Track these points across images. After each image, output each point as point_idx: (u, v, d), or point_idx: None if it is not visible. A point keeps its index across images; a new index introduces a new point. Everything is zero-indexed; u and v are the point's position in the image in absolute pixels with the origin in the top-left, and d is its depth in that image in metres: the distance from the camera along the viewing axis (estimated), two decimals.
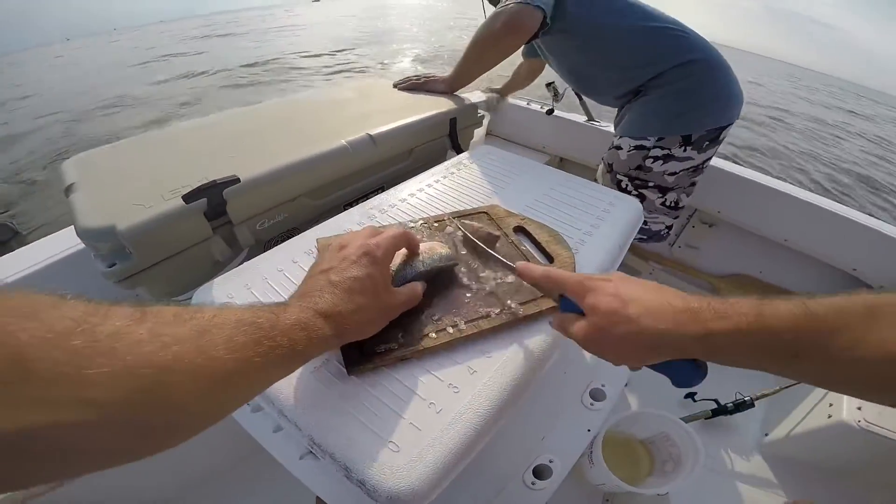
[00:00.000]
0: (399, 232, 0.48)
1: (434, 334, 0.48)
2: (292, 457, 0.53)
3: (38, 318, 0.21)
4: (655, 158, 1.16)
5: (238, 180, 0.69)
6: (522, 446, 0.75)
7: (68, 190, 0.69)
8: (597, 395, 0.84)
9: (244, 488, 1.08)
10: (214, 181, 0.67)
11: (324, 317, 0.37)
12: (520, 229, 0.67)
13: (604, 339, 0.40)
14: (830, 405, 1.09)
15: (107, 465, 0.23)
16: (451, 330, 0.48)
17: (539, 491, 0.69)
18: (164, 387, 0.24)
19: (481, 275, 0.55)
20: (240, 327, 0.30)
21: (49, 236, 0.97)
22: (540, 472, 0.71)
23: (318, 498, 0.99)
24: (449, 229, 0.63)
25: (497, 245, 0.62)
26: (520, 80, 1.68)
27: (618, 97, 1.22)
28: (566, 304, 0.45)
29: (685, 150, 1.14)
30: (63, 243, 0.93)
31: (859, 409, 1.03)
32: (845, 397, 1.06)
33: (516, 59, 1.53)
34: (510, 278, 0.55)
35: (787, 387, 1.18)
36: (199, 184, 0.66)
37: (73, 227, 0.63)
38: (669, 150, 1.14)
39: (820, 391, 1.16)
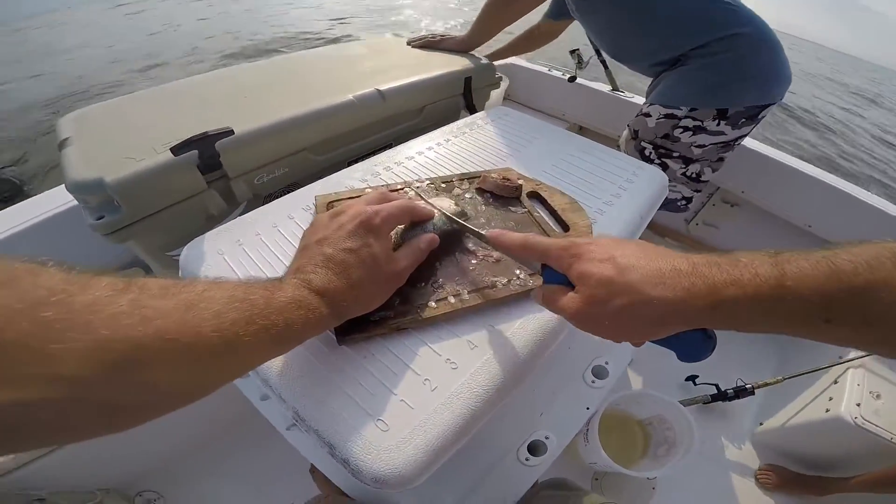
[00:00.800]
0: (404, 203, 0.43)
1: (434, 303, 0.44)
2: (281, 426, 0.51)
3: (12, 286, 0.20)
4: (685, 129, 1.09)
5: (231, 132, 0.65)
6: (520, 421, 0.73)
7: (62, 144, 0.66)
8: (599, 373, 0.81)
9: (243, 451, 1.10)
10: (206, 133, 0.63)
11: (319, 294, 0.34)
12: (534, 195, 0.62)
13: (600, 313, 0.34)
14: (830, 399, 1.08)
15: (72, 441, 0.22)
16: (452, 300, 0.44)
17: (532, 467, 0.68)
18: (139, 364, 0.23)
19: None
20: (231, 304, 0.28)
21: (45, 192, 0.96)
22: (535, 448, 0.70)
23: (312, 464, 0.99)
24: (457, 191, 0.59)
25: (520, 199, 0.59)
26: (527, 44, 1.49)
27: (654, 64, 1.15)
28: (550, 274, 0.38)
29: (718, 125, 1.07)
30: (59, 199, 0.92)
31: (858, 405, 1.02)
32: (846, 392, 1.05)
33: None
34: None
35: (790, 377, 1.15)
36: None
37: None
38: (702, 122, 1.07)
39: (822, 383, 1.15)
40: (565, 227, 0.56)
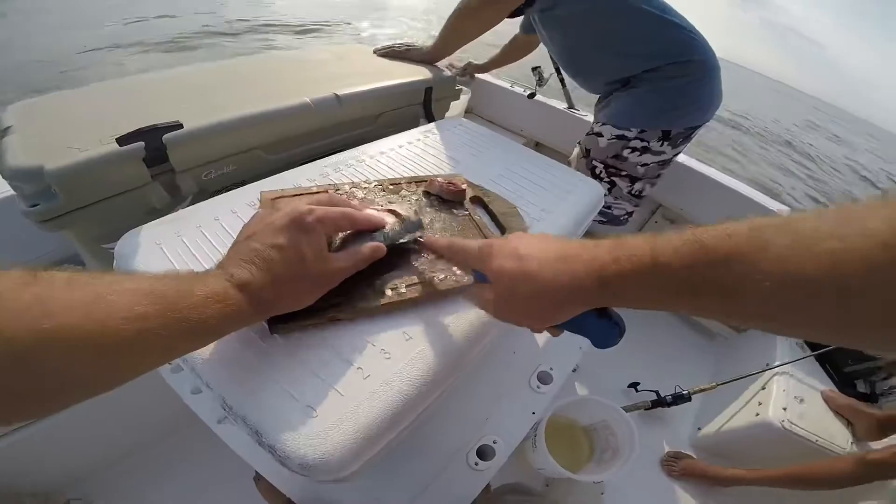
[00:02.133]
0: (347, 210, 0.43)
1: (373, 296, 0.46)
2: (212, 420, 0.51)
3: None
4: (633, 150, 1.17)
5: (180, 126, 0.65)
6: (467, 425, 0.75)
7: (3, 133, 0.64)
8: (544, 378, 0.84)
9: (182, 456, 1.06)
10: (155, 125, 0.63)
11: (240, 289, 0.34)
12: (477, 200, 0.65)
13: (511, 303, 0.38)
14: (759, 404, 1.15)
15: None
16: (389, 293, 0.46)
17: (481, 472, 0.69)
18: (42, 354, 0.23)
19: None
20: (142, 296, 0.28)
21: None
22: (483, 453, 0.71)
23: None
24: (404, 192, 0.61)
25: (463, 203, 0.62)
26: (509, 56, 1.57)
27: (607, 83, 1.21)
28: (479, 275, 0.42)
29: (662, 145, 1.16)
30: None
31: (784, 409, 1.09)
32: (773, 397, 1.12)
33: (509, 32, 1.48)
34: None
35: (722, 383, 1.23)
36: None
37: None
38: (648, 142, 1.15)
39: (752, 389, 1.22)
40: (503, 231, 0.60)
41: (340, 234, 0.45)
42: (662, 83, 1.09)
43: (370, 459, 0.40)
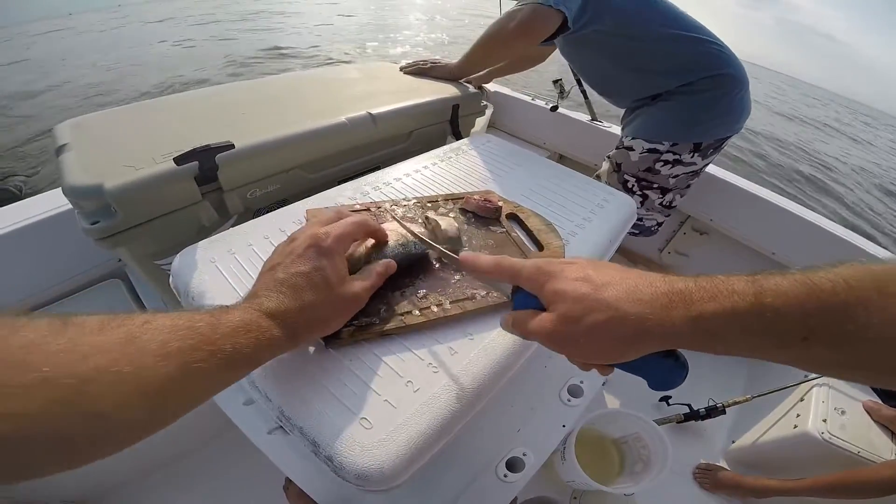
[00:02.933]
0: (356, 219, 0.44)
1: (417, 311, 0.47)
2: (261, 432, 0.52)
3: None
4: (666, 162, 1.18)
5: (232, 146, 0.68)
6: (498, 437, 0.75)
7: (59, 150, 0.68)
8: (575, 392, 0.84)
9: (215, 467, 1.08)
10: (208, 145, 0.66)
11: (271, 317, 0.35)
12: (512, 216, 0.66)
13: (574, 331, 0.32)
14: (798, 416, 1.12)
15: (31, 478, 0.22)
16: (435, 308, 0.48)
17: (510, 483, 0.69)
18: (87, 397, 0.23)
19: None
20: (175, 332, 0.28)
21: (37, 196, 0.97)
22: (513, 465, 0.71)
23: (287, 478, 0.98)
24: (441, 210, 0.63)
25: (499, 220, 0.63)
26: (513, 66, 1.50)
27: (637, 100, 1.23)
28: (521, 299, 0.38)
29: (693, 156, 1.17)
30: (49, 203, 0.93)
31: (824, 421, 1.06)
32: (812, 409, 1.09)
33: None
34: None
35: (757, 396, 1.20)
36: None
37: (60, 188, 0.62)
38: (680, 155, 1.16)
39: (790, 401, 1.19)
40: (540, 247, 0.61)
41: (364, 249, 0.47)
42: (695, 96, 1.11)
43: (420, 470, 0.41)
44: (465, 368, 0.46)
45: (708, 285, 0.30)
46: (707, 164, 1.24)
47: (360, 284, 0.42)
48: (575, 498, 1.13)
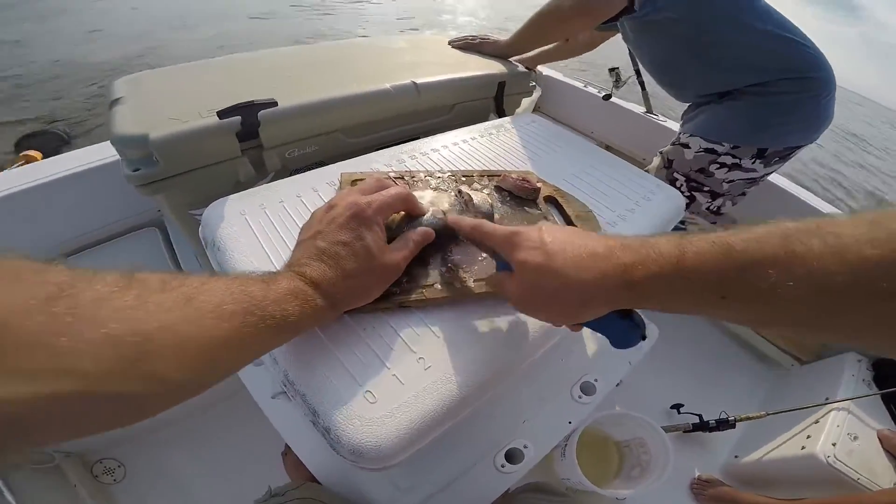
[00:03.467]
0: (398, 191, 0.43)
1: (440, 286, 0.45)
2: (266, 395, 0.53)
3: (21, 282, 0.20)
4: (722, 165, 1.09)
5: (275, 104, 0.68)
6: (502, 426, 0.74)
7: (113, 103, 0.70)
8: (587, 389, 0.81)
9: (220, 428, 1.11)
10: (252, 101, 0.66)
11: (314, 286, 0.35)
12: (551, 199, 0.63)
13: (533, 296, 0.38)
14: (808, 437, 1.09)
15: (88, 434, 0.23)
16: (458, 285, 0.46)
17: (507, 475, 0.68)
18: (149, 356, 0.23)
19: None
20: (230, 295, 0.29)
21: (88, 147, 1.01)
22: (512, 456, 0.70)
23: (286, 446, 1.01)
24: (476, 185, 0.60)
25: (536, 202, 0.60)
26: (565, 50, 1.44)
27: (701, 95, 1.13)
28: (502, 262, 0.41)
29: (754, 162, 1.07)
30: (96, 154, 0.97)
31: (834, 444, 1.03)
32: (825, 431, 1.07)
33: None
34: None
35: (773, 413, 1.17)
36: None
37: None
38: (740, 159, 1.06)
39: (803, 423, 1.16)
40: None
41: (397, 217, 0.45)
42: (769, 98, 1.00)
43: (418, 450, 0.40)
44: (482, 351, 0.44)
45: (640, 247, 0.33)
46: (769, 173, 1.14)
47: (400, 253, 0.41)
48: (567, 489, 1.12)
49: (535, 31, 1.06)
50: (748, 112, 1.03)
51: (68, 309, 0.20)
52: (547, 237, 0.37)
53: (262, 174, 0.73)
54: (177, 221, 0.73)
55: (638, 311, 0.38)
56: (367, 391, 0.38)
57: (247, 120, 0.64)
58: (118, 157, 0.66)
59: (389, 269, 0.40)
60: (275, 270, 0.36)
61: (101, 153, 0.98)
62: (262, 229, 0.51)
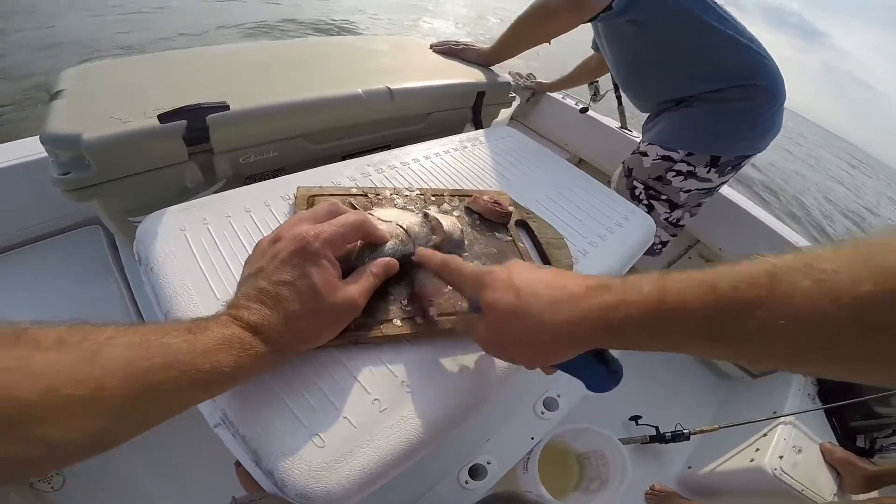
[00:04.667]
0: (351, 219, 0.38)
1: (399, 321, 0.42)
2: (210, 421, 0.48)
3: None
4: (678, 173, 1.11)
5: (227, 107, 0.62)
6: (466, 444, 0.73)
7: (53, 96, 0.63)
8: (550, 405, 0.82)
9: (162, 435, 1.02)
10: (199, 104, 0.60)
11: (253, 331, 0.32)
12: (522, 224, 0.60)
13: (503, 339, 0.36)
14: (757, 450, 1.14)
15: None
16: (419, 320, 0.42)
17: (470, 491, 0.67)
18: (29, 422, 0.21)
19: (470, 265, 0.49)
20: (144, 349, 0.26)
21: (15, 141, 0.91)
22: (475, 472, 0.70)
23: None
24: (446, 206, 0.57)
25: (507, 226, 0.58)
26: (582, 76, 1.54)
27: (660, 102, 1.15)
28: (474, 302, 0.39)
29: (708, 171, 1.09)
30: (28, 149, 0.88)
31: (780, 457, 1.07)
32: (772, 444, 1.11)
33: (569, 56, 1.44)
34: None
35: (725, 426, 1.20)
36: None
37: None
38: (694, 167, 1.09)
39: (753, 436, 1.20)
40: (546, 261, 0.55)
41: (355, 246, 0.41)
42: (721, 105, 1.03)
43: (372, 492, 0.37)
44: (443, 392, 0.41)
45: (620, 288, 0.31)
46: (723, 184, 1.17)
47: (355, 289, 0.37)
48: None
49: (521, 33, 1.04)
50: (701, 119, 1.06)
51: None
52: (517, 277, 0.36)
53: (212, 180, 0.67)
54: (116, 230, 0.66)
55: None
56: (316, 434, 0.35)
57: (193, 124, 0.58)
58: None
59: (341, 308, 0.36)
60: (206, 316, 0.32)
61: (39, 146, 0.89)
62: (203, 249, 0.46)
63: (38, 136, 0.88)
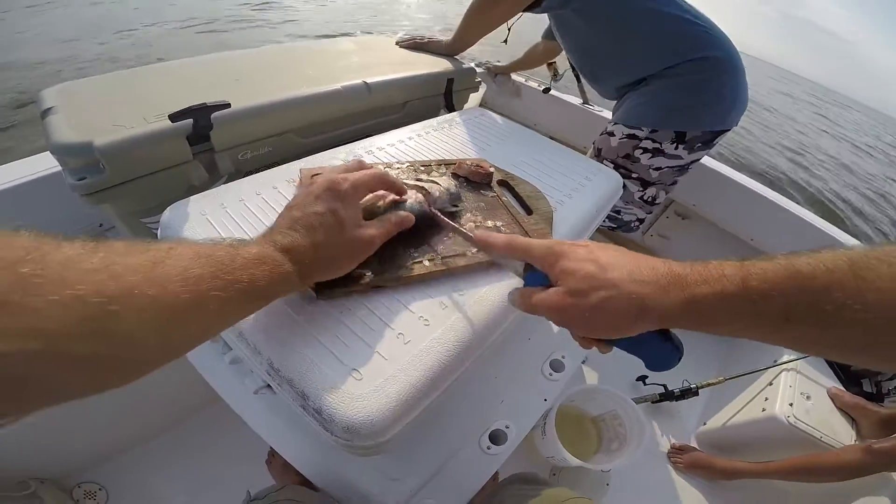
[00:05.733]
0: (376, 172, 0.45)
1: (410, 266, 0.48)
2: (244, 396, 0.52)
3: None
4: (645, 150, 1.15)
5: (229, 105, 0.67)
6: (481, 409, 0.76)
7: (45, 113, 0.66)
8: (556, 367, 0.85)
9: (193, 444, 1.08)
10: (205, 104, 0.65)
11: (284, 252, 0.36)
12: (503, 183, 0.67)
13: (579, 306, 0.35)
14: (766, 399, 1.16)
15: (55, 401, 0.22)
16: (427, 263, 0.49)
17: (493, 456, 0.70)
18: (114, 317, 0.23)
19: (464, 216, 0.56)
20: (197, 259, 0.29)
21: (24, 159, 0.94)
22: (496, 437, 0.73)
23: (270, 452, 0.98)
24: (434, 173, 0.64)
25: (490, 185, 0.64)
26: (531, 61, 1.65)
27: (620, 87, 1.20)
28: (532, 277, 0.41)
29: (676, 148, 1.12)
30: (36, 166, 0.90)
31: (791, 405, 1.10)
32: (780, 393, 1.13)
33: (532, 37, 1.52)
34: (490, 222, 0.56)
35: (731, 378, 1.23)
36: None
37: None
38: (660, 144, 1.12)
39: (759, 385, 1.23)
40: (529, 211, 0.62)
41: (384, 204, 0.48)
42: (675, 80, 1.06)
43: (407, 425, 0.42)
44: (456, 322, 0.47)
45: (702, 269, 0.33)
46: (696, 160, 1.19)
47: (374, 230, 0.43)
48: (554, 474, 1.16)
49: (470, 24, 1.12)
50: (660, 96, 1.09)
51: (34, 270, 0.20)
52: (598, 251, 0.37)
53: (214, 178, 0.72)
54: (128, 231, 0.71)
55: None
56: (353, 369, 0.40)
57: (199, 122, 0.63)
58: (53, 168, 0.62)
59: (359, 243, 0.41)
60: (247, 239, 0.36)
61: (33, 166, 0.91)
62: (226, 228, 0.51)
63: (33, 156, 0.92)
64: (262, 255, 0.34)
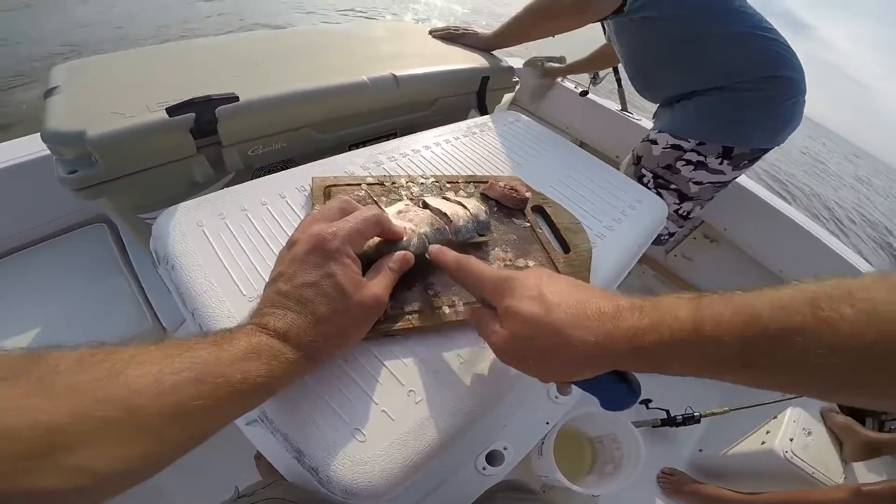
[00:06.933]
0: (368, 215, 0.37)
1: (427, 311, 0.41)
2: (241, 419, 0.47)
3: None
4: (688, 162, 1.08)
5: (236, 98, 0.61)
6: (484, 431, 0.73)
7: (49, 93, 0.61)
8: (563, 390, 0.82)
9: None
10: (209, 96, 0.59)
11: (282, 338, 0.31)
12: (538, 209, 0.60)
13: (524, 350, 0.33)
14: (767, 432, 1.14)
15: None
16: (447, 310, 0.42)
17: (488, 476, 0.68)
18: (61, 450, 0.20)
19: (492, 251, 0.49)
20: (170, 365, 0.25)
21: (16, 139, 0.89)
22: (492, 458, 0.70)
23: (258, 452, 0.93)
24: (462, 193, 0.56)
25: (524, 212, 0.57)
26: (593, 64, 1.53)
27: (671, 95, 1.12)
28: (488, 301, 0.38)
29: (721, 163, 1.06)
30: (32, 147, 0.85)
31: (791, 440, 1.08)
32: (783, 427, 1.12)
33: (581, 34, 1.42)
34: (522, 261, 0.49)
35: (735, 409, 1.21)
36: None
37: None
38: (705, 157, 1.06)
39: (763, 418, 1.21)
40: (566, 249, 0.55)
41: (373, 242, 0.40)
42: (736, 94, 1.00)
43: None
44: (474, 380, 0.41)
45: (653, 312, 0.30)
46: (737, 177, 1.13)
47: (379, 285, 0.36)
48: (543, 491, 1.14)
49: (525, 25, 1.03)
50: (715, 109, 1.03)
51: None
52: (543, 286, 0.33)
53: (221, 173, 0.66)
54: (126, 227, 0.65)
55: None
56: (356, 428, 0.35)
57: (202, 117, 0.57)
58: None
59: (369, 306, 0.35)
60: (230, 327, 0.31)
61: (38, 144, 0.87)
62: (224, 244, 0.45)
63: (34, 134, 0.87)
64: (256, 347, 0.29)
